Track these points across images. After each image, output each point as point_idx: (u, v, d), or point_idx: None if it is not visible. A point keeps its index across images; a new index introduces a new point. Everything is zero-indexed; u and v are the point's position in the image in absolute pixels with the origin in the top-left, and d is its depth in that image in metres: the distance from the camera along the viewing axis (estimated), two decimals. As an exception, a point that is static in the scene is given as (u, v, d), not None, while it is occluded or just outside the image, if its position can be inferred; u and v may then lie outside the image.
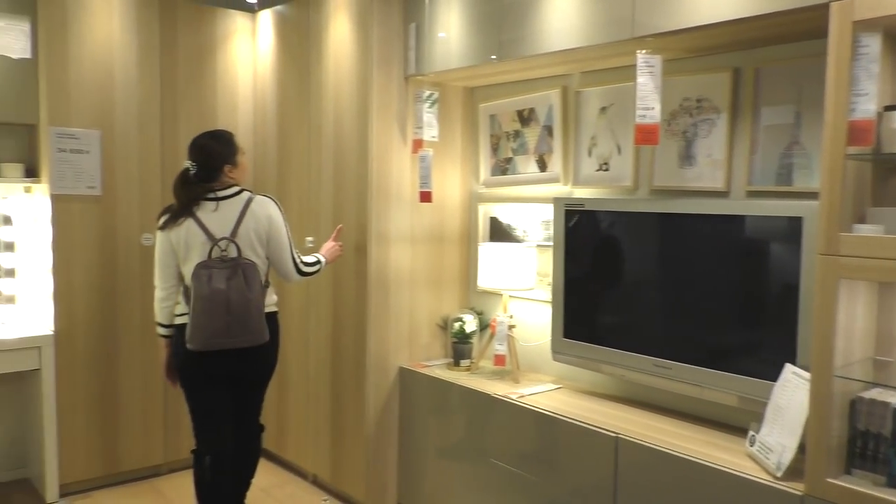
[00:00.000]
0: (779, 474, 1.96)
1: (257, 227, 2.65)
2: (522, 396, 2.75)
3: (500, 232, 3.32)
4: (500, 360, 2.99)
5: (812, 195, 2.08)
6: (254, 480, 3.19)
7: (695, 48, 2.44)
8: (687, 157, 2.55)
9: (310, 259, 2.85)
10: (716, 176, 2.47)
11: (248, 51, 3.83)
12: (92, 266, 3.36)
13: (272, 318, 2.77)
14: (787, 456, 1.96)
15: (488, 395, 2.82)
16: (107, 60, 3.36)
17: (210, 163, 2.65)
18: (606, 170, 2.82)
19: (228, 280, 2.53)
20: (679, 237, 2.43)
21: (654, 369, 2.50)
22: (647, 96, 2.31)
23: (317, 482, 3.55)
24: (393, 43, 3.12)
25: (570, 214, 2.77)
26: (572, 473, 2.48)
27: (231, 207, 2.64)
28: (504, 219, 3.29)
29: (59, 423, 3.28)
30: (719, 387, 2.32)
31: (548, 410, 2.59)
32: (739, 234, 2.28)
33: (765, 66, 2.34)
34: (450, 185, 3.37)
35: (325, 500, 3.22)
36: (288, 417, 3.68)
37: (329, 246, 2.99)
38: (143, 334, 3.51)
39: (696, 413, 2.57)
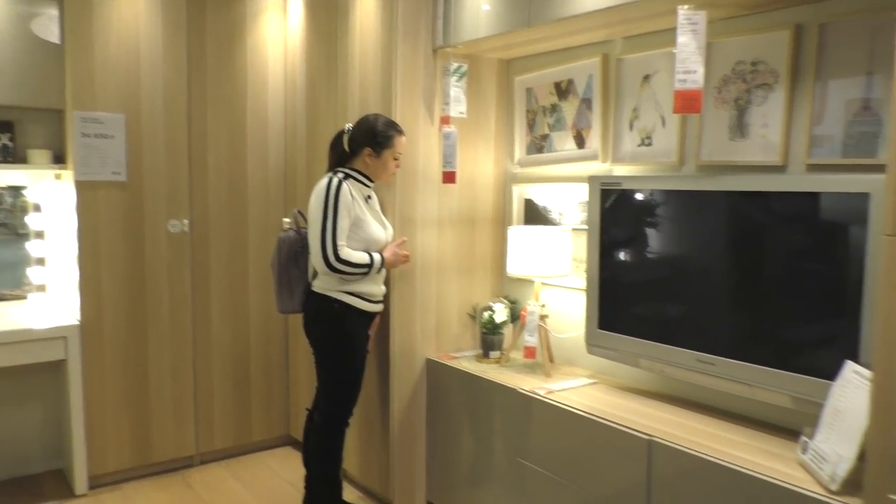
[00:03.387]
0: (833, 487, 1.69)
1: (309, 203, 2.67)
2: (551, 392, 2.53)
3: (535, 214, 3.09)
4: (530, 352, 2.77)
5: (884, 168, 1.79)
6: (284, 473, 3.08)
7: (751, 3, 2.16)
8: (739, 128, 2.27)
9: (357, 255, 2.63)
10: (772, 148, 2.18)
11: (279, 28, 3.71)
12: (118, 254, 3.30)
13: (320, 299, 2.70)
14: (844, 467, 1.68)
15: (514, 389, 2.61)
16: (132, 42, 3.29)
17: (353, 134, 2.74)
18: (649, 144, 2.56)
19: None
20: (728, 218, 2.16)
21: (697, 365, 2.24)
22: (689, 58, 2.04)
23: (346, 477, 3.41)
24: (420, 13, 2.92)
25: (606, 194, 2.52)
26: (602, 477, 2.25)
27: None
28: (539, 201, 3.06)
29: (87, 413, 3.25)
30: (770, 386, 2.05)
31: (576, 408, 2.36)
32: (797, 215, 1.99)
33: (831, 22, 2.04)
34: (482, 164, 3.16)
35: None
36: (319, 409, 3.56)
37: (393, 249, 2.78)
38: (172, 323, 3.45)
39: (745, 414, 2.29)
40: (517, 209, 3.18)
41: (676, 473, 2.01)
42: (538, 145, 3.03)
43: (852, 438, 1.70)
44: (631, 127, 2.61)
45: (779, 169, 2.17)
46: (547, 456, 2.46)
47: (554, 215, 2.99)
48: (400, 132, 2.73)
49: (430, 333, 3.08)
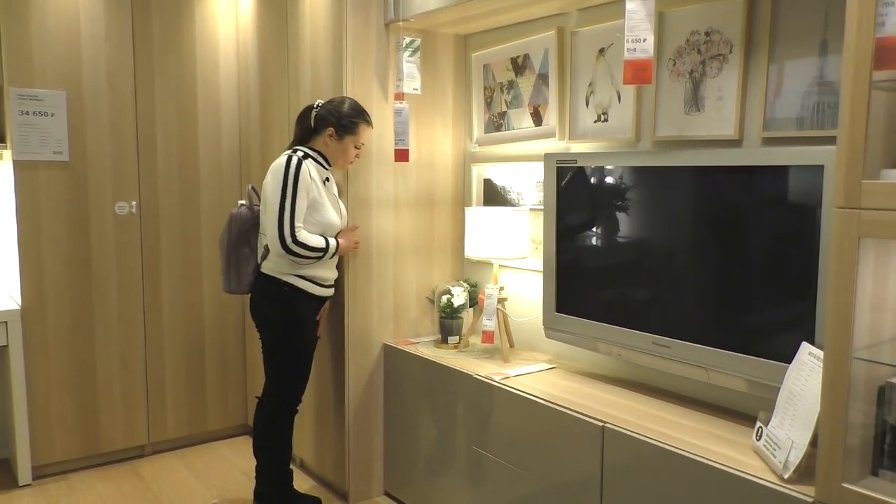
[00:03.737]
0: (785, 475, 1.62)
1: (265, 181, 2.58)
2: (507, 378, 2.45)
3: (494, 195, 2.99)
4: (487, 336, 2.68)
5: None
6: (238, 462, 2.98)
7: (702, -29, 2.07)
8: (695, 102, 2.18)
9: (314, 239, 2.53)
10: (726, 122, 2.10)
11: (229, 4, 3.56)
12: (61, 237, 3.16)
13: (269, 281, 2.59)
14: (796, 454, 1.61)
15: (470, 375, 2.53)
16: (72, 16, 3.13)
17: (320, 112, 2.62)
18: (605, 120, 2.46)
19: None
20: (684, 196, 2.07)
21: (653, 348, 2.17)
22: (638, 26, 1.95)
23: (302, 467, 3.32)
24: (372, -14, 2.80)
25: (562, 172, 2.43)
26: (557, 465, 2.17)
27: None
28: (499, 181, 2.96)
29: (31, 401, 3.12)
30: (726, 369, 1.97)
31: (531, 394, 2.28)
32: (751, 189, 1.91)
33: (784, -11, 1.96)
34: (440, 144, 3.06)
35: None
36: (275, 397, 3.45)
37: (347, 235, 2.70)
38: (121, 309, 3.32)
39: (703, 399, 2.22)
40: (476, 189, 3.08)
41: (629, 460, 1.94)
42: (496, 123, 2.93)
43: (806, 424, 1.63)
44: (587, 103, 2.52)
45: (734, 143, 2.09)
46: (502, 444, 2.38)
47: (513, 196, 2.90)
48: (367, 122, 2.63)
49: (387, 318, 2.98)
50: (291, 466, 2.79)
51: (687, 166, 2.04)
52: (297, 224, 2.46)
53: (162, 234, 3.42)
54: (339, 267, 2.85)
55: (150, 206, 3.38)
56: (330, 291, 2.71)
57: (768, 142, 2.01)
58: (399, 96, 2.82)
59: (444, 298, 2.89)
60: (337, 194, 2.73)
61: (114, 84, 3.25)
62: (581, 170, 2.37)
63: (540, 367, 2.59)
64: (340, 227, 2.66)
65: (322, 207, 2.55)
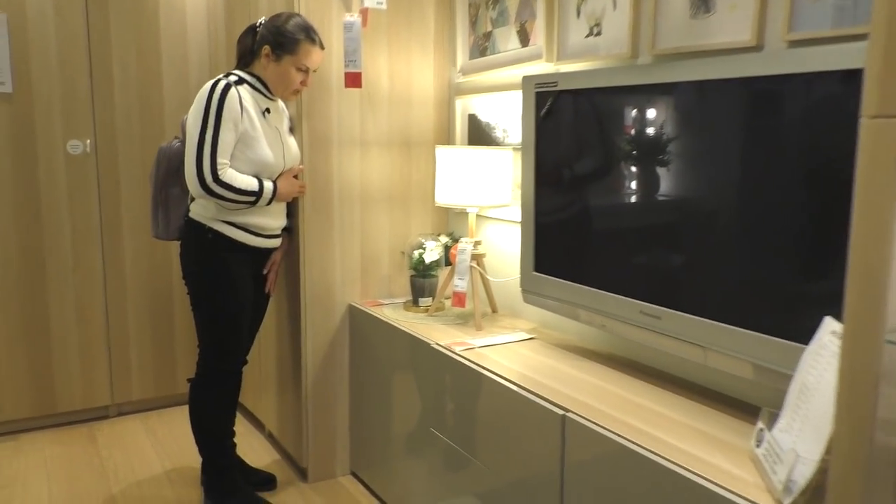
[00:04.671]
0: (785, 502, 1.16)
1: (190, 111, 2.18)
2: (470, 349, 2.03)
3: (478, 132, 2.54)
4: (458, 299, 2.26)
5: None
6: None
7: None
8: (703, 2, 1.68)
9: (243, 180, 2.13)
10: (742, 23, 1.59)
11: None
12: (5, 178, 2.87)
13: (194, 227, 2.22)
14: (803, 472, 1.16)
15: (427, 343, 2.12)
16: (15, -72, 2.79)
17: (261, 29, 2.22)
18: (598, 34, 1.98)
19: None
20: (686, 120, 1.59)
21: (641, 319, 1.71)
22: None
23: (273, 438, 3.00)
24: None
25: (541, 98, 1.97)
26: (513, 456, 1.75)
27: None
28: (483, 115, 2.51)
29: (-24, 355, 2.87)
30: (728, 349, 1.51)
31: (488, 369, 1.86)
32: (771, 108, 1.42)
33: None
34: (419, 74, 2.61)
35: None
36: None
37: (289, 178, 2.29)
38: (77, 258, 3.02)
39: (702, 383, 1.76)
40: (461, 127, 2.63)
41: (591, 459, 1.51)
42: (481, 47, 2.47)
43: (819, 430, 1.16)
44: (578, 13, 2.03)
45: (753, 50, 1.58)
46: (459, 428, 1.98)
47: (498, 133, 2.44)
48: (312, 40, 2.20)
49: (353, 275, 2.59)
50: (231, 450, 2.44)
51: (690, 82, 1.55)
52: (220, 160, 2.08)
53: (122, 175, 3.09)
54: (293, 213, 2.47)
55: (108, 145, 3.05)
56: (272, 242, 2.33)
57: (795, 45, 1.50)
58: (364, 14, 2.38)
59: (416, 254, 2.48)
60: (286, 129, 2.33)
61: (62, 7, 2.90)
62: (564, 94, 1.89)
63: (515, 336, 2.16)
64: (282, 168, 2.26)
65: (255, 142, 2.16)
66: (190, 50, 3.17)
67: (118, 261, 3.12)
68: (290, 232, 2.50)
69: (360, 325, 2.53)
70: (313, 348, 2.54)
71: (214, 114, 2.08)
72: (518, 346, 2.07)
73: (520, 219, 2.30)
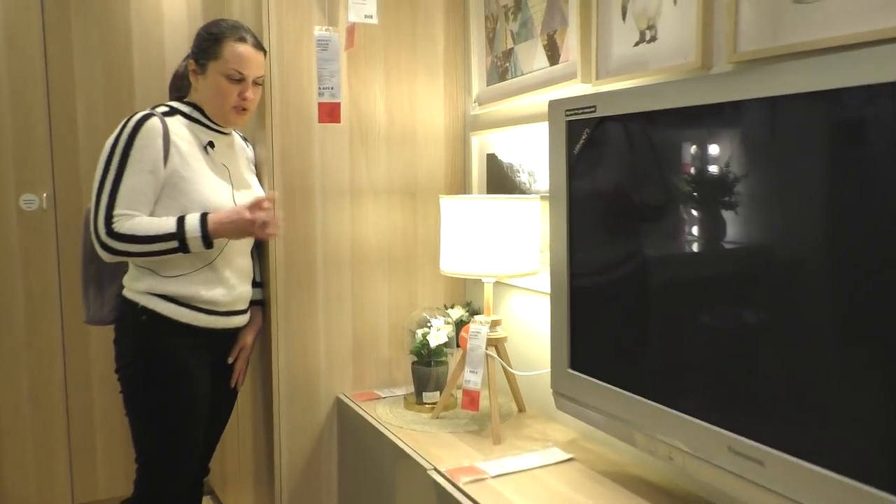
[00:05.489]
0: None
1: None
2: (480, 480, 1.44)
3: (500, 176, 1.99)
4: (470, 399, 1.69)
5: None
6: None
7: None
8: (816, -18, 1.11)
9: (147, 224, 1.60)
10: (883, 4, 1.01)
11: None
12: (-54, 237, 2.44)
13: (125, 306, 1.71)
14: None
15: (422, 467, 1.54)
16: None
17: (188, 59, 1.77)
18: (652, 39, 1.42)
19: None
20: (796, 151, 1.01)
21: (731, 460, 1.11)
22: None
23: (252, 553, 2.43)
24: None
25: (576, 129, 1.41)
26: None
27: None
28: (504, 155, 1.96)
29: None
30: (886, 531, 0.90)
31: (501, 526, 1.27)
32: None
33: None
34: (426, 106, 2.09)
35: None
36: (224, 449, 2.59)
37: (237, 209, 1.66)
38: (31, 331, 2.56)
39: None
40: (478, 170, 2.09)
41: None
42: (501, 68, 1.93)
43: None
44: (624, 14, 1.48)
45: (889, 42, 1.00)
46: None
47: (522, 177, 1.88)
48: (239, 38, 1.70)
49: (342, 359, 2.04)
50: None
51: (797, 95, 0.98)
52: (117, 211, 1.58)
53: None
54: (262, 283, 1.95)
55: (69, 199, 2.59)
56: (235, 321, 1.80)
57: None
58: (351, 32, 1.88)
59: (419, 335, 1.92)
60: (243, 168, 1.83)
61: (14, 38, 2.49)
62: (606, 122, 1.33)
63: (545, 457, 1.56)
64: None
65: (189, 184, 1.65)
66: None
67: (81, 333, 2.63)
68: (263, 305, 1.98)
69: (350, 425, 1.97)
70: (290, 452, 1.99)
71: (120, 154, 1.60)
72: (548, 475, 1.47)
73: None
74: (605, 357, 1.38)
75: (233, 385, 1.90)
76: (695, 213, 1.16)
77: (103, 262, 1.74)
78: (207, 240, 1.62)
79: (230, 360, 1.86)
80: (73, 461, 2.67)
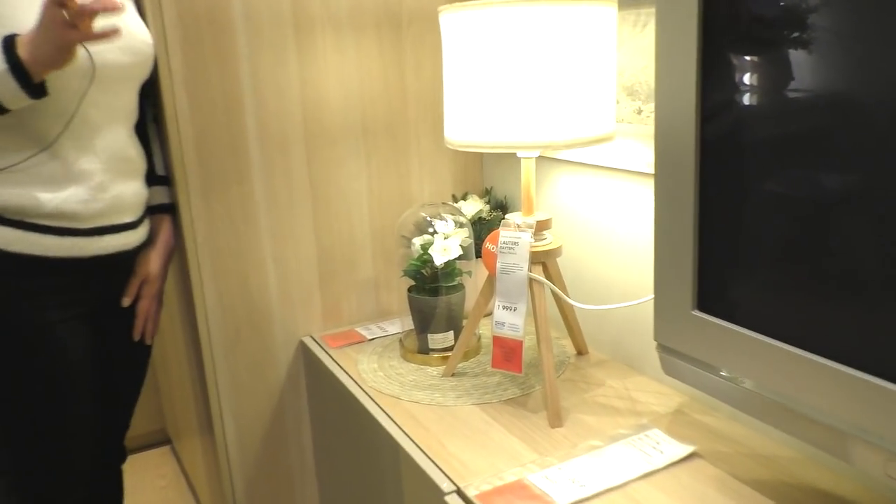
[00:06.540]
0: None
1: None
2: (534, 529, 0.80)
3: None
4: (504, 352, 1.02)
5: None
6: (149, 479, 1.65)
7: None
8: None
9: None
10: None
11: None
12: None
13: None
14: None
15: (434, 483, 0.89)
16: None
17: None
18: None
19: None
20: None
21: None
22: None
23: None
24: None
25: None
26: None
27: None
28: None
29: None
30: None
31: None
32: None
33: None
34: None
35: None
36: (173, 398, 1.98)
37: (42, 19, 0.88)
38: None
39: None
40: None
41: None
42: None
43: None
44: None
45: None
46: None
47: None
48: None
49: (304, 286, 1.36)
50: None
51: None
52: None
53: None
54: (172, 177, 1.25)
55: None
56: (105, 243, 1.10)
57: None
58: None
59: (417, 245, 1.23)
60: None
61: None
62: None
63: (648, 453, 0.91)
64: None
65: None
66: None
67: None
68: (171, 212, 1.28)
69: (316, 375, 1.32)
70: (236, 422, 1.35)
71: None
72: (665, 497, 0.82)
73: (650, 168, 1.03)
74: (755, 287, 0.69)
75: (137, 337, 1.23)
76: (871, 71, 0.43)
77: None
78: (22, 72, 0.89)
79: (125, 302, 1.19)
80: None
